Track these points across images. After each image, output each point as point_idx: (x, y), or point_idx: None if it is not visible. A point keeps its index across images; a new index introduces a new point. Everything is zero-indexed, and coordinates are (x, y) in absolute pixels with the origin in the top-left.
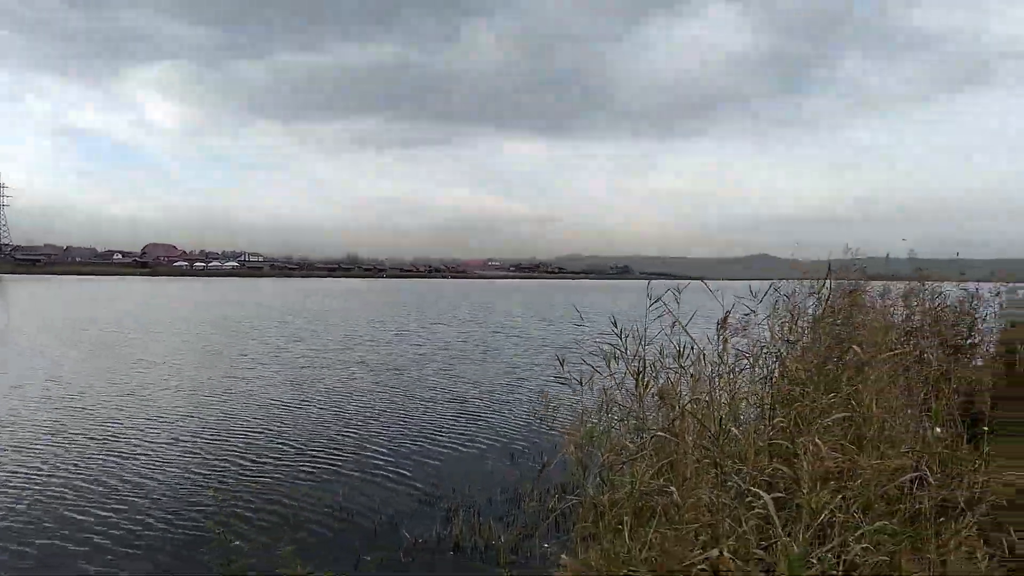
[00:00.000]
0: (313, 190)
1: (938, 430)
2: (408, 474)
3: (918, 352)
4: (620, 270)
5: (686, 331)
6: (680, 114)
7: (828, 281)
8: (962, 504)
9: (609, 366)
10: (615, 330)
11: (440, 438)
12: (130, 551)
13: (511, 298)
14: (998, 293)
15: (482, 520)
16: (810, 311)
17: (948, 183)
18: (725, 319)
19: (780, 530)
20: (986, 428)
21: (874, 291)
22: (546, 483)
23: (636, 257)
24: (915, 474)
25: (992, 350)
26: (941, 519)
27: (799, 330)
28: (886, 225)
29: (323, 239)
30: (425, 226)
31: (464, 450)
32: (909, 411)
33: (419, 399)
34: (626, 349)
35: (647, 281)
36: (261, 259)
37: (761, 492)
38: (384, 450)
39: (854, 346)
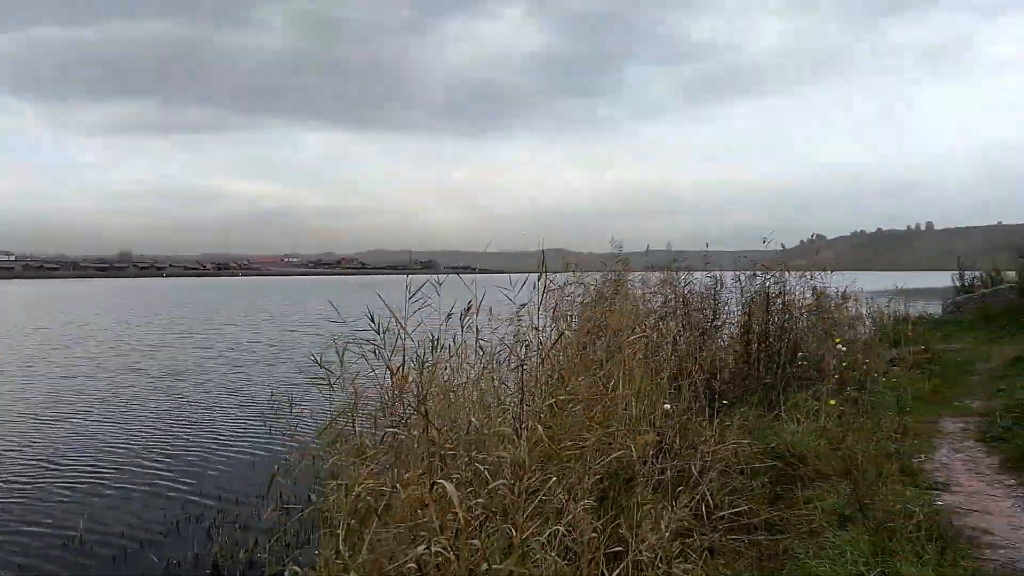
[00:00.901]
0: (77, 179)
1: (667, 406)
2: (171, 489)
3: (672, 335)
4: (425, 264)
5: (424, 325)
6: (484, 110)
7: (568, 272)
8: (696, 473)
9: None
10: (373, 326)
11: (212, 447)
12: None
13: (306, 296)
14: (739, 280)
15: (247, 534)
16: (578, 300)
17: (712, 181)
18: (469, 308)
19: (462, 514)
20: (725, 402)
21: (635, 280)
22: (303, 490)
23: (442, 251)
24: (618, 453)
25: (734, 331)
26: (680, 487)
27: (566, 318)
28: (662, 219)
29: (91, 235)
30: (214, 220)
31: (236, 459)
32: (658, 389)
33: (192, 406)
34: (385, 344)
35: (448, 275)
36: (13, 258)
37: (445, 483)
38: (146, 465)
39: (564, 328)
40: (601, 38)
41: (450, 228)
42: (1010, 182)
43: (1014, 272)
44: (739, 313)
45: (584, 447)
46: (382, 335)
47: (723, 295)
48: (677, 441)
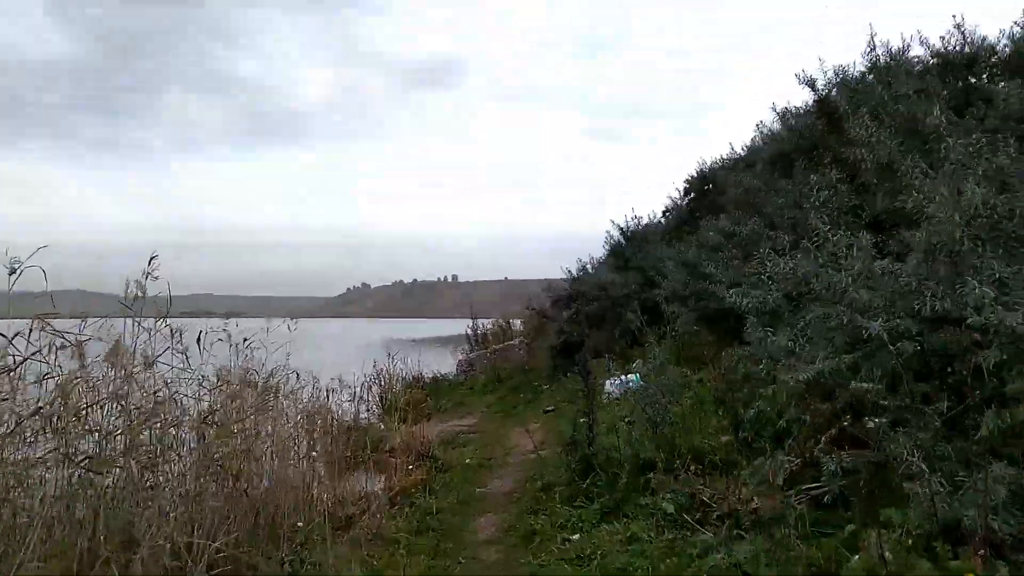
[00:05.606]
0: None
1: None
2: None
3: None
4: None
5: None
6: None
7: None
8: None
9: None
10: None
11: None
12: None
13: None
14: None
15: None
16: None
17: (247, 224)
18: None
19: None
20: None
21: None
22: None
23: None
24: None
25: None
26: None
27: None
28: (215, 258)
29: None
30: None
31: None
32: None
33: None
34: None
35: None
36: None
37: None
38: None
39: None
40: (135, 57)
41: None
42: (513, 243)
43: (520, 321)
44: None
45: None
46: None
47: None
48: None
